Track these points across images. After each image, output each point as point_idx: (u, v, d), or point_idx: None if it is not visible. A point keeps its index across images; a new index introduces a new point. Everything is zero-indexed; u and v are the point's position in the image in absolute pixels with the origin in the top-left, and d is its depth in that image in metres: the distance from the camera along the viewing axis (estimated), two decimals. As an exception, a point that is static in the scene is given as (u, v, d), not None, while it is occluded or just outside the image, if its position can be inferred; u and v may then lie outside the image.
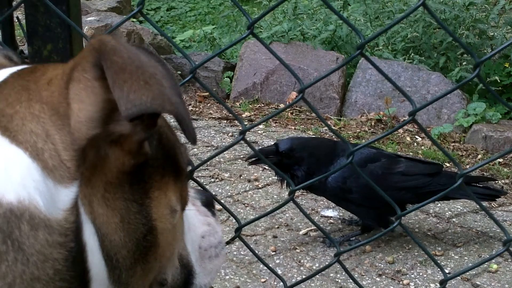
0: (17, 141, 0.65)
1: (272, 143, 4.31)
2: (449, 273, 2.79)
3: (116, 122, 0.67)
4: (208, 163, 3.92)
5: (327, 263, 2.82)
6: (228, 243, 1.49)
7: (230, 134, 4.48)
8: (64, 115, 0.66)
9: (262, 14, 1.08)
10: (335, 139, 3.25)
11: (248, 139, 4.40)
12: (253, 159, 2.98)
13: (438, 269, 2.82)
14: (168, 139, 0.78)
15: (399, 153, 3.88)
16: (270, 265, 2.83)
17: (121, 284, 0.72)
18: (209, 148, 4.17)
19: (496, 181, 3.73)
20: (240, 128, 1.34)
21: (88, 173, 0.68)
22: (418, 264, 2.89)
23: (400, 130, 4.63)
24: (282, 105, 5.08)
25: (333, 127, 4.73)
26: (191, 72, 1.17)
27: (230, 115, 4.87)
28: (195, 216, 0.93)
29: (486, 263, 2.91)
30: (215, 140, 4.30)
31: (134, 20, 6.57)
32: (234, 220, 2.89)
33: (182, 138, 0.77)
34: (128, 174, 0.71)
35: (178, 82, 0.68)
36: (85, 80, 0.65)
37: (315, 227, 3.19)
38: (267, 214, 1.42)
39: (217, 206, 1.24)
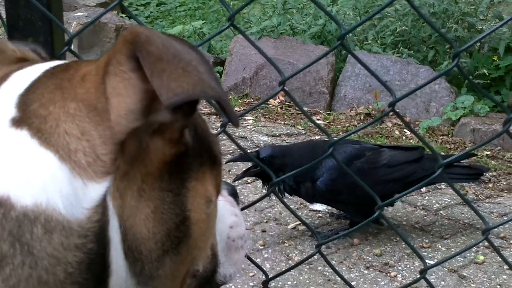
0: (47, 143, 0.65)
1: (262, 138, 4.33)
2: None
3: (155, 112, 0.66)
4: (197, 158, 3.92)
5: (315, 256, 2.84)
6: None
7: (219, 129, 4.47)
8: (103, 111, 0.65)
9: (241, 6, 1.08)
10: (319, 141, 3.25)
11: (237, 134, 4.41)
12: (239, 175, 2.98)
13: (425, 260, 2.85)
14: (202, 128, 0.78)
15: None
16: (259, 259, 2.85)
17: (145, 277, 0.71)
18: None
19: (476, 155, 3.75)
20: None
21: (126, 166, 0.67)
22: (406, 256, 2.90)
23: (389, 124, 4.64)
24: (271, 100, 5.09)
25: (323, 122, 4.74)
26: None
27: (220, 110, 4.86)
28: (223, 206, 0.92)
29: (473, 255, 2.93)
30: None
31: (123, 15, 6.55)
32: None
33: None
34: (168, 164, 0.70)
35: (213, 68, 0.67)
36: (121, 72, 0.65)
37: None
38: (249, 206, 1.43)
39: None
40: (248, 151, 4.07)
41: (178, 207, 0.72)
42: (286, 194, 3.02)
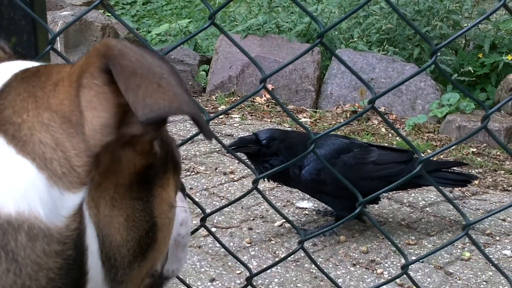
0: (24, 151, 0.65)
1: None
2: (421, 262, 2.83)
3: (128, 125, 0.67)
4: (184, 156, 3.92)
5: (302, 254, 2.84)
6: (192, 233, 1.50)
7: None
8: (77, 124, 0.66)
9: (222, 5, 1.09)
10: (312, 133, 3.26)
11: (223, 132, 4.40)
12: (234, 147, 2.93)
13: (411, 257, 2.86)
14: (166, 136, 0.79)
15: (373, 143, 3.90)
16: (245, 257, 2.85)
17: (116, 283, 0.72)
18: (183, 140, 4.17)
19: (467, 165, 3.74)
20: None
21: (100, 177, 0.68)
22: (392, 253, 2.91)
23: (375, 121, 4.65)
24: (258, 98, 5.09)
25: (309, 119, 4.74)
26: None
27: (206, 108, 4.87)
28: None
29: (459, 251, 2.94)
30: (191, 134, 4.29)
31: (109, 14, 6.53)
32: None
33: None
34: (137, 174, 0.72)
35: (182, 79, 0.68)
36: (96, 86, 0.65)
37: (290, 219, 3.21)
38: (231, 203, 1.43)
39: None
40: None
41: (148, 214, 0.74)
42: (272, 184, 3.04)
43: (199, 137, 4.16)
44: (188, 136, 4.25)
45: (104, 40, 0.67)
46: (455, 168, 3.30)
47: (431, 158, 3.47)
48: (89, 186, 0.67)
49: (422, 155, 3.72)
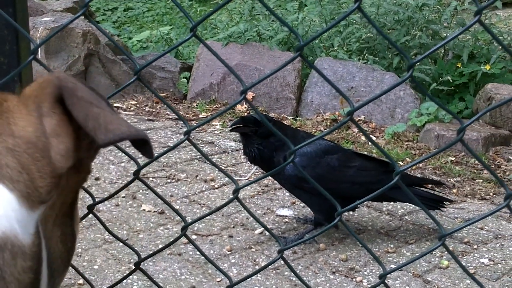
0: None
1: (229, 143, 4.35)
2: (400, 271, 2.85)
3: (79, 149, 0.73)
4: (165, 163, 3.93)
5: (282, 262, 2.85)
6: (173, 242, 1.51)
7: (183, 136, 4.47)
8: (44, 149, 0.71)
9: (204, 17, 1.10)
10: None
11: (204, 139, 4.38)
12: (234, 126, 3.02)
13: (390, 265, 2.89)
14: None
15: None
16: (226, 265, 2.87)
17: None
18: (165, 149, 4.17)
19: (444, 185, 3.70)
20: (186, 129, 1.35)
21: (56, 196, 0.73)
22: (371, 261, 2.93)
23: (355, 130, 4.68)
24: (239, 106, 5.10)
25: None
26: (135, 74, 1.19)
27: (187, 115, 4.88)
28: None
29: (437, 259, 2.97)
30: (171, 141, 4.30)
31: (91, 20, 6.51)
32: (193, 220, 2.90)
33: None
34: (75, 193, 0.78)
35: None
36: (55, 115, 0.71)
37: (270, 226, 3.23)
38: (212, 213, 1.44)
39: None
40: (215, 156, 4.09)
41: (72, 231, 0.79)
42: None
43: (181, 144, 4.16)
44: (169, 143, 4.24)
45: (54, 73, 0.74)
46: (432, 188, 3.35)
47: (408, 171, 3.51)
48: (46, 205, 0.71)
49: (402, 163, 3.73)
